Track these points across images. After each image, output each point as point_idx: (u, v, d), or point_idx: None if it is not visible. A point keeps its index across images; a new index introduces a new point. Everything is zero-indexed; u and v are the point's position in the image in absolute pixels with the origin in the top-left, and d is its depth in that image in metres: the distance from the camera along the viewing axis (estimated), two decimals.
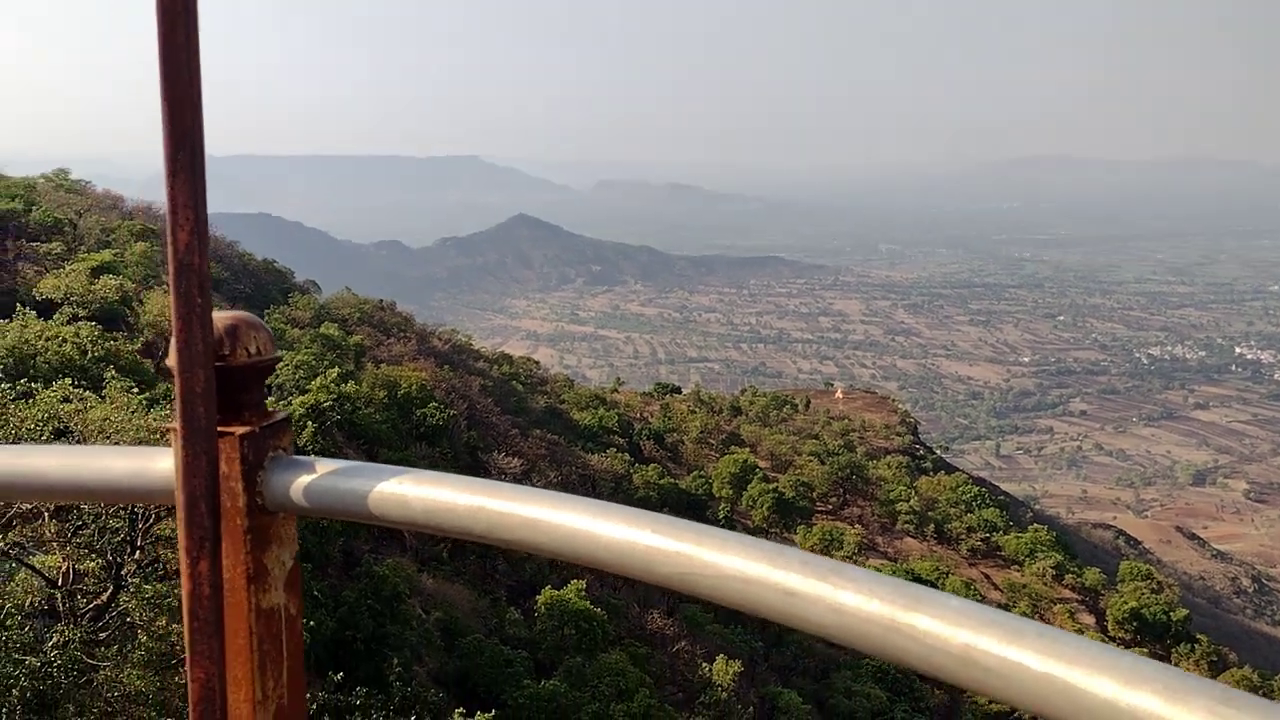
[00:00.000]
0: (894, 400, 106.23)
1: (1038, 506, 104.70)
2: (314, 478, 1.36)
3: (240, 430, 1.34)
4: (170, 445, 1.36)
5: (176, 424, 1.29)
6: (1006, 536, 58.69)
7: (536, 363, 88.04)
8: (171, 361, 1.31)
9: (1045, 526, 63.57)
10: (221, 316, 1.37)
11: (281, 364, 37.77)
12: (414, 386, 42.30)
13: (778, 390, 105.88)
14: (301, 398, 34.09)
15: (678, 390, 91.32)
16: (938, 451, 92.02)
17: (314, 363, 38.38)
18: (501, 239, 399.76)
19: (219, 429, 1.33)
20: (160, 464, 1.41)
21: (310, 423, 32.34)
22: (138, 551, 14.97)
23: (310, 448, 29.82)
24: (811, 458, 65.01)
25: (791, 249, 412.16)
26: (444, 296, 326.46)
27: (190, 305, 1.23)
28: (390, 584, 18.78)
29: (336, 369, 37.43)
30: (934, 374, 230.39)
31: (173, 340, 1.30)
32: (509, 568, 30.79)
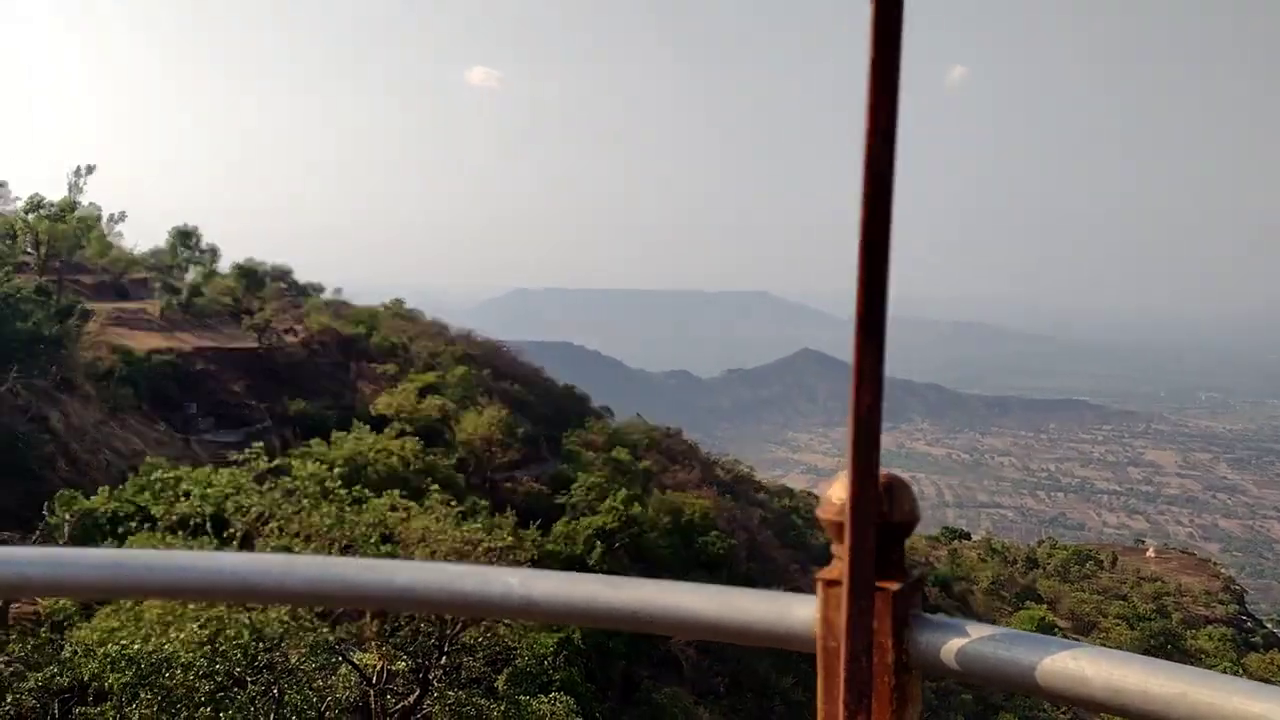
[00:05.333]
0: (1215, 564, 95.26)
1: None
2: (967, 641, 1.34)
3: (894, 586, 1.36)
4: (816, 594, 1.43)
5: (840, 577, 1.34)
6: None
7: (816, 497, 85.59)
8: (828, 514, 1.40)
9: None
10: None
11: (576, 485, 39.56)
12: (697, 514, 42.79)
13: (1080, 544, 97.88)
14: (590, 519, 35.33)
15: (967, 536, 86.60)
16: (1269, 625, 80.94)
17: (605, 485, 39.74)
18: (786, 372, 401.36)
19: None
20: (799, 612, 1.45)
21: (599, 543, 33.38)
22: (444, 658, 15.91)
23: (598, 569, 30.70)
24: (1119, 621, 59.45)
25: (1097, 393, 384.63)
26: (728, 426, 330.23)
27: (867, 464, 1.28)
28: (669, 714, 18.72)
29: (624, 491, 38.62)
30: (1264, 537, 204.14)
31: (836, 494, 1.38)
32: (787, 710, 29.88)
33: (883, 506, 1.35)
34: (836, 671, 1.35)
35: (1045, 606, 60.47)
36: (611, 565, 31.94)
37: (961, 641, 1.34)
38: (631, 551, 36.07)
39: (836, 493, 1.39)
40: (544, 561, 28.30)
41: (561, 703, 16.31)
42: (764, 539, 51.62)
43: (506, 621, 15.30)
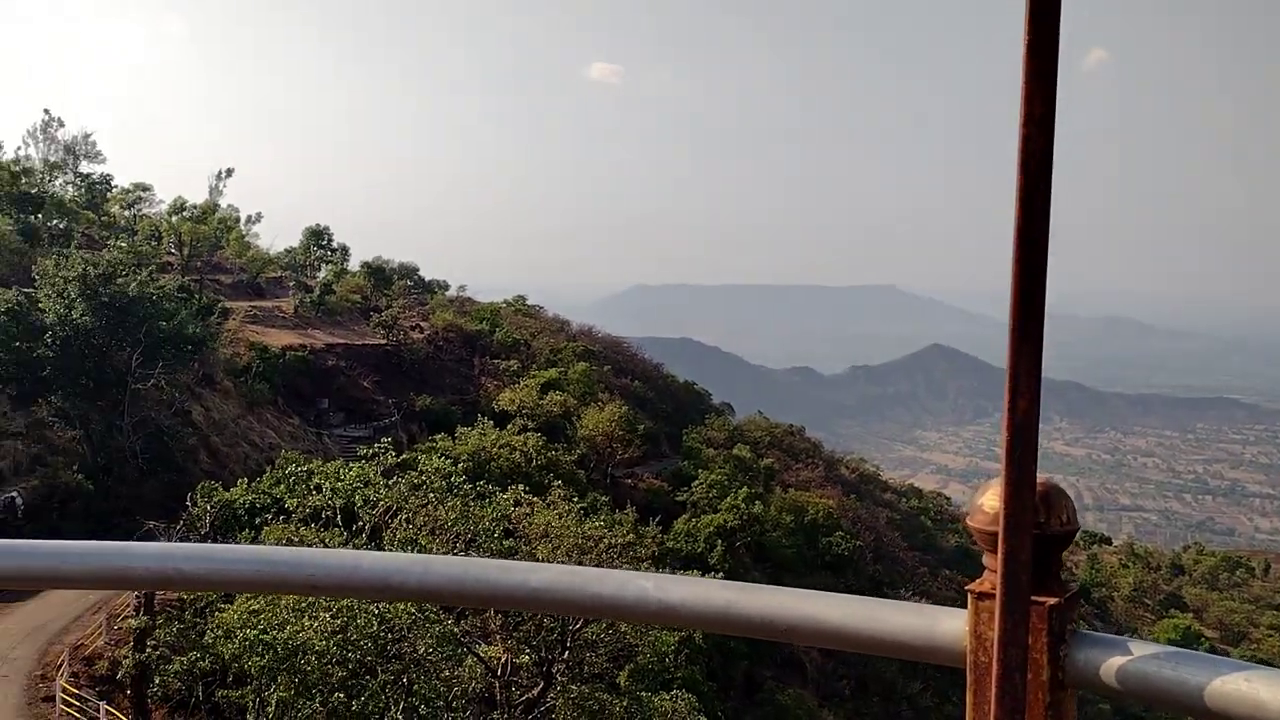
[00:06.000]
0: None
1: None
2: (1129, 659, 1.28)
3: (1050, 600, 1.31)
4: (966, 607, 1.37)
5: (993, 590, 1.28)
6: None
7: (947, 499, 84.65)
8: (980, 524, 1.34)
9: None
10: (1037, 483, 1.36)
11: (696, 482, 39.52)
12: (821, 513, 42.27)
13: (1229, 550, 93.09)
14: (711, 517, 35.24)
15: (1107, 541, 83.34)
16: None
17: (726, 483, 39.61)
18: (914, 368, 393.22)
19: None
20: (946, 625, 1.40)
21: (720, 542, 33.27)
22: (567, 653, 16.11)
23: (718, 568, 30.59)
24: (1271, 632, 56.33)
25: (1249, 391, 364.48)
26: (853, 424, 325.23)
27: (1023, 472, 1.24)
28: (793, 716, 18.54)
29: (746, 489, 38.41)
30: None
31: (988, 502, 1.33)
32: (914, 715, 29.26)
33: (1039, 516, 1.29)
34: (987, 688, 1.29)
35: (1191, 615, 57.69)
36: (733, 564, 31.79)
37: (1123, 659, 1.27)
38: (753, 551, 35.86)
39: (989, 501, 1.32)
40: (664, 558, 28.36)
41: (683, 700, 16.33)
42: (891, 540, 50.61)
43: None
